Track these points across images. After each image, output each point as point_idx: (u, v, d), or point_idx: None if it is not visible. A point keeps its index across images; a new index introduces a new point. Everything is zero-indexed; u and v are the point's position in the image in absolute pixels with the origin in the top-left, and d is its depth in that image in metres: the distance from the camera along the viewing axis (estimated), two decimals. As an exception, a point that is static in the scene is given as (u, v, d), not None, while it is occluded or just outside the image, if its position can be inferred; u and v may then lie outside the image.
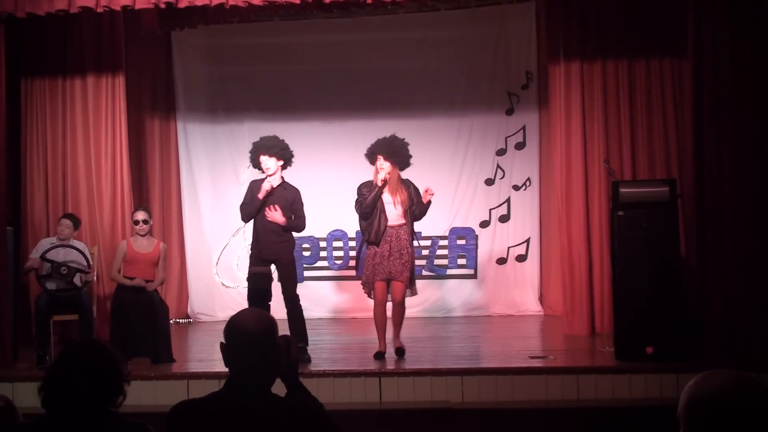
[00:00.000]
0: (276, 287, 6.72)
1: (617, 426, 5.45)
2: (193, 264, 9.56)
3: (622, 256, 6.26)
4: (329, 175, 9.36)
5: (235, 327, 2.55)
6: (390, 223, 6.48)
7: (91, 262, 7.05)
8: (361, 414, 5.57)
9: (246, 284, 6.85)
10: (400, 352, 6.47)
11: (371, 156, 6.60)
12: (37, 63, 8.02)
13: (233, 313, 2.68)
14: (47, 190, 7.97)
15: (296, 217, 6.69)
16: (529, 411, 5.65)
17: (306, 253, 9.54)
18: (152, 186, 9.44)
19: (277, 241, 6.59)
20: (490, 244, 9.37)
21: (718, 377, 2.02)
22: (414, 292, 6.63)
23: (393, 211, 6.52)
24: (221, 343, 2.56)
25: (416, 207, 6.53)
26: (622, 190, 6.41)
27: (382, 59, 9.40)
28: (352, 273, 9.50)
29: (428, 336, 7.87)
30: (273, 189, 6.57)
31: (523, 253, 9.37)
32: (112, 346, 2.57)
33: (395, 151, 6.53)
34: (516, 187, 9.36)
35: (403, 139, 6.68)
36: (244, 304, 8.65)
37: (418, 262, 9.22)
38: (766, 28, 6.36)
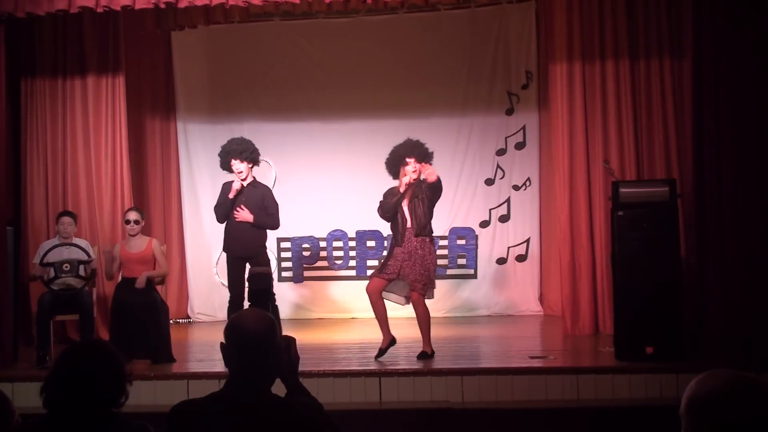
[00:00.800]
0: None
1: (617, 426, 5.44)
2: (193, 264, 9.56)
3: (622, 256, 6.25)
4: (329, 176, 9.37)
5: (235, 327, 2.55)
6: (408, 225, 6.49)
7: (92, 253, 7.03)
8: (361, 414, 5.56)
9: (245, 284, 6.90)
10: (423, 355, 6.42)
11: (400, 160, 6.48)
12: (37, 63, 8.03)
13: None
14: (47, 190, 7.98)
15: (267, 215, 6.82)
16: (529, 411, 5.65)
17: (306, 253, 9.54)
18: (152, 186, 9.45)
19: (247, 239, 6.76)
20: (490, 244, 9.37)
21: (718, 377, 2.03)
22: (429, 296, 6.59)
23: (409, 213, 6.51)
24: (221, 343, 2.56)
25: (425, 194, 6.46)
26: (622, 190, 6.41)
27: (381, 59, 9.40)
28: (352, 273, 9.52)
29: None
30: (243, 188, 6.74)
31: (523, 253, 9.37)
32: (114, 347, 2.57)
33: (426, 153, 6.50)
34: (516, 187, 9.37)
35: (417, 140, 6.65)
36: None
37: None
38: (766, 28, 6.36)
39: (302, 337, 7.78)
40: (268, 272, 6.75)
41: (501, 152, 9.39)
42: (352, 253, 9.50)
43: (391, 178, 6.64)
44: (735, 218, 6.31)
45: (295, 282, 9.57)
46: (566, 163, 7.63)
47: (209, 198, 9.47)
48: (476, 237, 9.38)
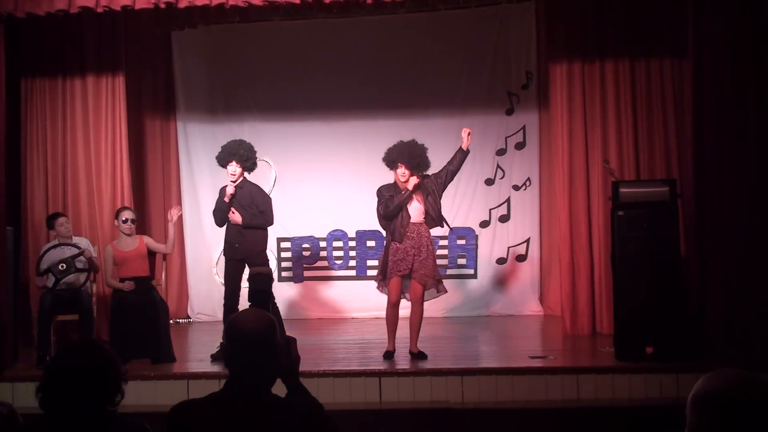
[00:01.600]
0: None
1: (617, 426, 5.45)
2: (193, 264, 9.56)
3: (622, 255, 6.26)
4: (329, 176, 9.37)
5: (235, 327, 2.56)
6: (412, 220, 6.55)
7: (92, 249, 7.05)
8: (361, 414, 5.57)
9: (246, 284, 6.90)
10: (420, 355, 6.47)
11: (391, 163, 6.60)
12: (37, 63, 8.02)
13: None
14: (47, 190, 7.98)
15: (259, 212, 6.90)
16: (529, 411, 5.65)
17: (306, 253, 9.54)
18: (152, 186, 9.45)
19: (241, 241, 6.83)
20: (490, 244, 9.37)
21: (724, 376, 2.04)
22: (442, 290, 6.66)
23: (413, 208, 6.58)
24: (221, 344, 2.56)
25: (449, 170, 6.59)
26: (622, 190, 6.41)
27: (381, 59, 9.40)
28: (352, 273, 9.52)
29: (428, 336, 7.84)
30: (236, 191, 6.87)
31: (523, 253, 9.37)
32: (107, 346, 2.57)
33: (418, 162, 6.54)
34: (516, 187, 9.36)
35: (422, 144, 6.67)
36: (245, 304, 8.68)
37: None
38: (766, 28, 6.36)
39: (302, 337, 7.79)
40: (268, 273, 6.76)
41: (501, 152, 9.38)
42: (352, 253, 9.50)
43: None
44: (735, 218, 6.32)
45: (295, 282, 9.57)
46: (566, 163, 7.63)
47: (209, 198, 9.46)
48: (476, 237, 9.38)
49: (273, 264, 9.38)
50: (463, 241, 9.38)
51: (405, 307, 6.77)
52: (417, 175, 6.52)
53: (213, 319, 9.11)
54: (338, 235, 9.52)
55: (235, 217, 6.83)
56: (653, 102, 7.54)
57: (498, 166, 9.37)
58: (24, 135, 7.99)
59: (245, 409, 2.45)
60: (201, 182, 9.51)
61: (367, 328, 8.36)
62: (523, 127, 9.35)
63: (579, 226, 7.58)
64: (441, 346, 7.40)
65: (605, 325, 7.42)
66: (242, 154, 6.84)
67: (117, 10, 6.54)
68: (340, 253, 9.54)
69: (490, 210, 9.39)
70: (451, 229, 6.64)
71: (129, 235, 6.94)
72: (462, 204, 9.36)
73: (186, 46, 9.54)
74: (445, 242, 9.35)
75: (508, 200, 9.37)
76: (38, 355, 6.54)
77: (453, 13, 9.15)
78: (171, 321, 7.44)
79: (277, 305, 7.00)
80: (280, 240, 9.50)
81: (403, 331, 6.59)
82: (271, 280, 6.77)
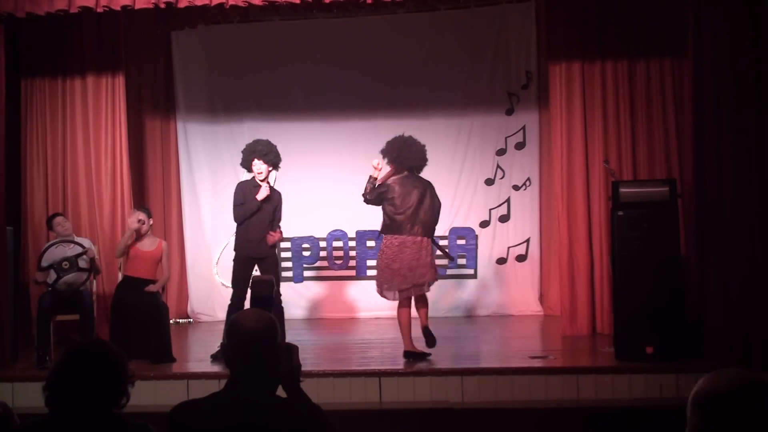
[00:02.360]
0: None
1: (617, 426, 5.45)
2: (193, 264, 9.56)
3: (622, 255, 6.25)
4: (329, 175, 9.37)
5: (234, 326, 2.56)
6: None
7: (94, 249, 7.04)
8: (361, 414, 5.57)
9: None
10: (428, 335, 6.49)
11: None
12: (37, 63, 8.02)
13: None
14: (47, 190, 7.97)
15: (275, 224, 6.92)
16: (529, 411, 5.65)
17: (306, 253, 9.54)
18: (152, 186, 9.45)
19: (263, 240, 6.80)
20: (490, 244, 9.37)
21: (724, 375, 2.04)
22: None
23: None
24: (222, 344, 2.57)
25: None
26: (622, 190, 6.41)
27: (381, 59, 9.40)
28: (352, 273, 9.52)
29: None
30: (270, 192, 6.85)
31: (523, 253, 9.37)
32: (116, 347, 2.57)
33: (387, 152, 6.65)
34: (516, 187, 9.37)
35: (419, 141, 6.70)
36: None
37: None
38: (766, 28, 6.36)
39: (302, 337, 7.82)
40: (270, 280, 6.75)
41: (501, 152, 9.39)
42: (352, 253, 9.50)
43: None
44: (735, 218, 6.31)
45: (295, 282, 9.56)
46: (565, 163, 7.63)
47: (209, 198, 9.49)
48: (476, 237, 9.38)
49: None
50: (463, 241, 9.38)
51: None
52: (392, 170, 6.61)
53: (213, 319, 9.12)
54: (338, 235, 9.52)
55: (276, 237, 6.85)
56: (653, 102, 7.54)
57: (498, 166, 9.37)
58: (24, 135, 7.99)
59: (245, 409, 2.45)
60: (201, 182, 9.52)
61: (367, 328, 8.36)
62: (523, 127, 9.35)
63: (579, 226, 7.58)
64: (441, 346, 7.40)
65: (605, 325, 7.42)
66: (261, 150, 6.82)
67: (117, 10, 6.54)
68: (340, 253, 9.54)
69: (490, 210, 9.39)
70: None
71: (143, 234, 6.90)
72: (462, 204, 9.36)
73: (186, 46, 9.54)
74: (445, 242, 9.35)
75: (508, 200, 9.37)
76: (38, 355, 6.53)
77: (453, 13, 9.16)
78: (171, 321, 7.43)
79: (283, 307, 6.95)
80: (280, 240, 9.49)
81: (416, 330, 6.58)
82: (273, 287, 6.76)
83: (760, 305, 6.18)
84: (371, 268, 9.38)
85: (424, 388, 5.87)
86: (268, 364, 2.52)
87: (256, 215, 6.79)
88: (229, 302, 6.84)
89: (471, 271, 9.40)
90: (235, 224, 6.97)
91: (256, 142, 6.94)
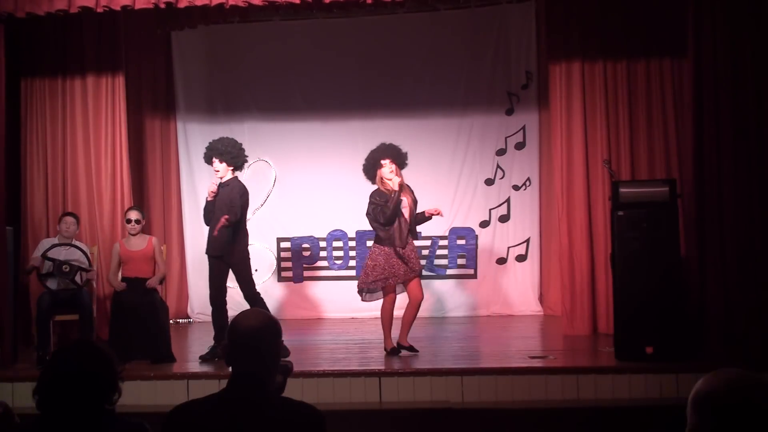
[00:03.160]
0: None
1: (617, 426, 5.44)
2: (193, 264, 9.56)
3: (622, 256, 6.25)
4: (329, 175, 9.37)
5: (235, 325, 2.57)
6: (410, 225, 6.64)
7: (92, 263, 7.07)
8: (361, 414, 5.56)
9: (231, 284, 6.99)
10: (409, 348, 6.58)
11: (376, 163, 6.61)
12: (37, 63, 8.02)
13: (232, 313, 2.69)
14: (47, 190, 7.97)
15: (229, 208, 6.68)
16: (529, 411, 5.65)
17: (306, 253, 9.54)
18: (152, 186, 9.45)
19: (218, 238, 6.70)
20: (490, 244, 9.37)
21: (724, 375, 2.05)
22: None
23: (408, 212, 6.63)
24: (223, 343, 2.57)
25: (416, 213, 6.71)
26: (622, 190, 6.41)
27: (381, 59, 9.40)
28: (352, 273, 9.51)
29: (428, 336, 7.86)
30: (218, 190, 6.78)
31: (523, 253, 9.37)
32: (103, 345, 2.57)
33: (398, 154, 6.65)
34: (516, 187, 9.36)
35: (391, 144, 6.77)
36: (244, 304, 8.67)
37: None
38: (766, 28, 6.36)
39: (302, 337, 7.82)
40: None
41: (501, 152, 9.39)
42: (352, 253, 9.49)
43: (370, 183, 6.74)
44: (735, 218, 6.31)
45: (295, 282, 9.56)
46: (565, 163, 7.63)
47: (209, 198, 9.48)
48: (476, 237, 9.38)
49: (273, 264, 9.40)
50: (463, 241, 9.38)
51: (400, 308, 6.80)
52: (400, 176, 6.59)
53: (213, 319, 9.11)
54: (338, 235, 9.52)
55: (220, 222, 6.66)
56: (653, 102, 7.54)
57: (498, 166, 9.37)
58: (24, 135, 7.99)
59: (245, 408, 2.45)
60: (201, 182, 9.50)
61: (367, 328, 8.35)
62: (523, 127, 9.35)
63: (579, 226, 7.58)
64: (441, 346, 7.41)
65: (605, 325, 7.41)
66: (220, 149, 6.76)
67: (117, 10, 6.54)
68: (340, 253, 9.54)
69: (490, 210, 9.39)
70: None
71: (134, 235, 6.91)
72: (462, 204, 9.36)
73: (186, 46, 9.54)
74: (445, 242, 9.36)
75: (508, 200, 9.37)
76: (38, 355, 6.54)
77: (453, 13, 9.15)
78: (171, 321, 7.43)
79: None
80: (279, 240, 9.50)
81: (416, 329, 6.62)
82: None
83: (760, 305, 6.18)
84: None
85: (424, 388, 5.87)
86: (267, 362, 2.52)
87: (216, 213, 6.73)
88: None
89: (471, 271, 9.40)
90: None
91: (219, 140, 6.90)
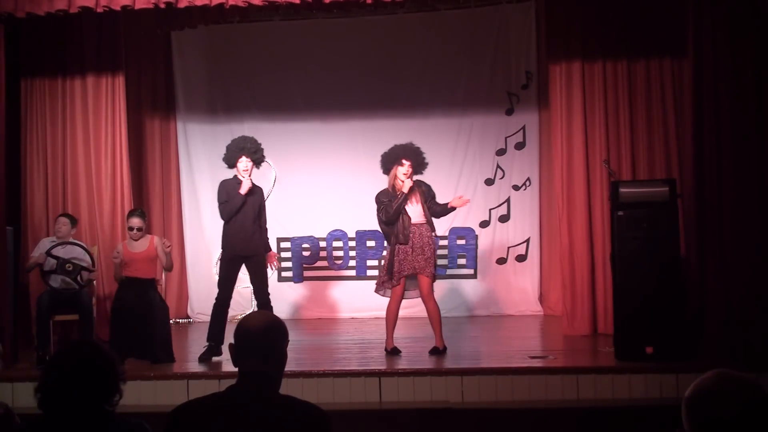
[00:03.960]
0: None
1: (617, 426, 5.44)
2: (193, 264, 9.57)
3: (622, 256, 6.25)
4: (329, 175, 9.37)
5: (242, 325, 2.59)
6: (413, 221, 6.63)
7: (95, 262, 7.06)
8: (361, 414, 5.56)
9: (245, 285, 6.96)
10: (435, 351, 6.59)
11: (396, 159, 6.67)
12: (37, 63, 8.02)
13: (232, 313, 2.71)
14: (47, 190, 7.97)
15: (262, 220, 6.92)
16: (529, 411, 5.65)
17: (306, 253, 9.54)
18: (152, 186, 9.45)
19: (249, 238, 6.76)
20: (490, 244, 9.37)
21: (715, 377, 2.07)
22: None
23: (412, 209, 6.66)
24: (230, 344, 2.59)
25: (434, 205, 6.75)
26: (622, 190, 6.41)
27: (381, 59, 9.40)
28: (352, 273, 9.52)
29: (428, 336, 7.84)
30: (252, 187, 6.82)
31: (523, 253, 9.37)
32: (106, 346, 2.58)
33: (420, 161, 6.72)
34: (516, 187, 9.36)
35: (418, 147, 6.79)
36: (244, 304, 8.69)
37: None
38: (766, 28, 6.36)
39: (302, 337, 7.82)
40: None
41: (501, 152, 9.39)
42: (352, 253, 9.50)
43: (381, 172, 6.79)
44: (735, 218, 6.31)
45: (295, 282, 9.57)
46: (565, 163, 7.63)
47: (209, 198, 9.46)
48: (476, 237, 9.38)
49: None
50: (463, 241, 9.38)
51: (405, 308, 6.80)
52: (412, 180, 6.64)
53: (213, 319, 9.11)
54: (338, 235, 9.52)
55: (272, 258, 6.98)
56: (653, 102, 7.54)
57: (498, 166, 9.37)
58: (24, 135, 7.99)
59: (250, 406, 2.46)
60: (201, 182, 9.52)
61: (367, 328, 8.36)
62: (523, 127, 9.35)
63: (579, 226, 7.58)
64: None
65: (605, 325, 7.41)
66: (249, 148, 6.80)
67: (117, 10, 6.54)
68: (340, 253, 9.54)
69: (490, 210, 9.39)
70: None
71: (135, 240, 6.89)
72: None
73: (186, 46, 9.54)
74: (445, 242, 9.35)
75: (508, 200, 9.37)
76: (38, 355, 6.54)
77: (453, 13, 9.16)
78: (171, 321, 7.43)
79: (272, 307, 6.95)
80: (280, 240, 9.49)
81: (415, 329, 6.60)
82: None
83: (760, 305, 6.18)
84: (371, 268, 9.40)
85: (424, 388, 5.87)
86: (275, 363, 2.54)
87: (242, 212, 6.75)
88: (214, 301, 6.84)
89: (471, 271, 9.40)
90: (222, 223, 6.96)
91: (245, 139, 6.91)
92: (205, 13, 7.63)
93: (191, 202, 9.57)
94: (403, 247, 6.57)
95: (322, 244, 9.56)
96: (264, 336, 2.54)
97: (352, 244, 9.50)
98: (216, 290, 9.23)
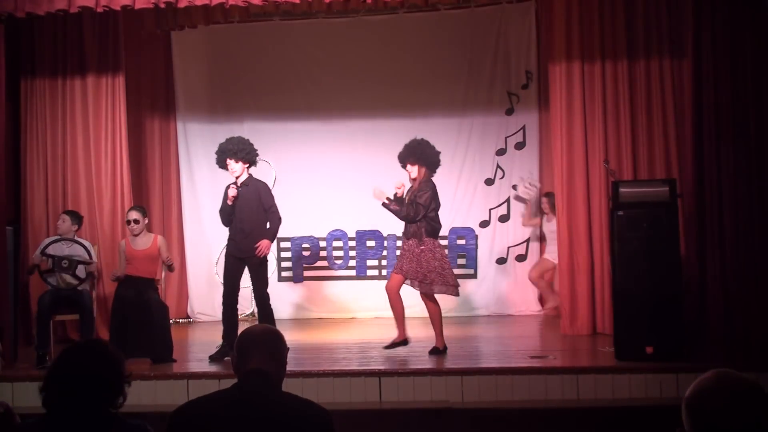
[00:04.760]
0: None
1: (617, 426, 5.44)
2: (193, 264, 9.57)
3: (622, 256, 6.25)
4: (329, 175, 9.37)
5: (243, 332, 2.66)
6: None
7: (94, 256, 7.06)
8: (361, 414, 5.56)
9: (245, 285, 6.95)
10: (435, 350, 6.63)
11: (406, 159, 6.77)
12: (37, 63, 8.02)
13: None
14: (47, 190, 7.98)
15: (270, 213, 6.80)
16: (529, 411, 5.65)
17: (306, 253, 9.54)
18: (152, 186, 9.45)
19: (248, 239, 6.73)
20: (490, 244, 9.37)
21: (714, 377, 2.07)
22: (431, 291, 6.73)
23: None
24: (231, 354, 2.62)
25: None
26: (622, 190, 6.41)
27: (381, 59, 9.40)
28: (352, 273, 9.52)
29: (428, 336, 7.85)
30: (238, 192, 6.76)
31: (523, 253, 9.37)
32: (113, 347, 2.57)
33: (429, 162, 6.76)
34: (516, 187, 9.36)
35: (428, 141, 6.82)
36: (244, 304, 8.69)
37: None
38: (766, 29, 6.36)
39: (302, 337, 7.81)
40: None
41: (501, 152, 9.39)
42: (352, 253, 9.50)
43: (399, 165, 6.85)
44: (735, 218, 6.31)
45: (295, 282, 9.57)
46: (565, 163, 7.63)
47: (209, 198, 9.48)
48: (476, 237, 9.38)
49: (273, 264, 9.38)
50: (463, 241, 9.38)
51: (405, 307, 6.82)
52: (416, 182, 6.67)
53: (213, 319, 9.10)
54: (338, 235, 9.52)
55: (264, 248, 6.75)
56: (653, 102, 7.53)
57: (498, 166, 9.38)
58: (24, 135, 7.99)
59: (254, 406, 2.47)
60: (201, 182, 9.52)
61: (367, 328, 8.36)
62: (523, 127, 9.35)
63: (578, 226, 7.57)
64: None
65: (605, 325, 7.41)
66: (232, 149, 6.74)
67: (117, 10, 6.55)
68: (340, 253, 9.54)
69: (490, 210, 9.39)
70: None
71: (135, 235, 6.88)
72: (462, 204, 9.36)
73: (186, 46, 9.54)
74: (445, 242, 9.34)
75: (508, 200, 9.37)
76: (38, 354, 6.54)
77: (453, 13, 9.16)
78: (171, 321, 7.43)
79: (272, 310, 6.96)
80: (280, 240, 9.48)
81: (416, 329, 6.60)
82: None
83: (760, 305, 6.18)
84: (371, 268, 9.40)
85: (424, 388, 5.87)
86: (277, 363, 2.57)
87: (236, 215, 6.75)
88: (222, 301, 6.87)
89: (471, 271, 9.40)
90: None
91: (228, 140, 6.87)
92: (205, 13, 7.65)
93: (191, 202, 9.57)
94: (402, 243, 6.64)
95: (322, 244, 9.56)
96: (265, 339, 2.60)
97: (352, 244, 9.50)
98: (217, 290, 9.30)
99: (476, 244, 9.38)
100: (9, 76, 7.24)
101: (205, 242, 9.48)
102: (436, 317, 6.66)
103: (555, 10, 7.85)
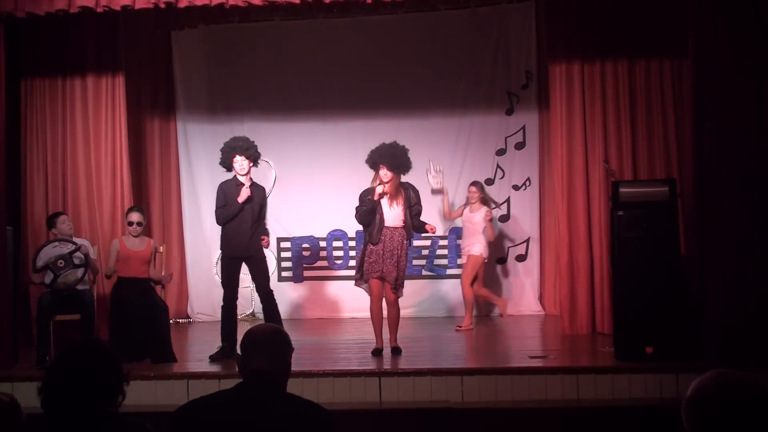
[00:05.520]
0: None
1: (617, 426, 5.44)
2: (193, 264, 9.57)
3: (622, 256, 6.25)
4: (329, 175, 9.37)
5: (248, 331, 2.65)
6: (386, 224, 6.65)
7: (92, 253, 7.05)
8: (361, 414, 5.56)
9: (245, 285, 6.96)
10: (396, 351, 6.62)
11: (373, 165, 6.74)
12: (37, 63, 8.02)
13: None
14: (47, 190, 7.97)
15: (263, 214, 6.99)
16: (528, 411, 5.65)
17: (306, 253, 9.54)
18: (152, 186, 9.45)
19: (249, 240, 6.78)
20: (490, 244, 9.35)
21: (715, 377, 2.07)
22: (399, 294, 6.72)
23: (389, 212, 6.67)
24: (236, 354, 2.62)
25: (414, 215, 6.71)
26: (622, 190, 6.41)
27: (381, 59, 9.41)
28: (352, 273, 9.50)
29: (428, 336, 7.87)
30: (251, 192, 6.81)
31: (523, 253, 9.37)
32: (111, 346, 2.57)
33: (399, 163, 6.68)
34: (516, 187, 9.37)
35: (404, 146, 6.77)
36: (244, 304, 8.69)
37: (417, 262, 9.26)
38: (766, 28, 6.36)
39: (302, 337, 7.82)
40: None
41: (501, 152, 9.39)
42: (352, 253, 9.49)
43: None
44: (735, 218, 6.31)
45: (295, 282, 9.57)
46: (565, 163, 7.63)
47: (209, 198, 9.43)
48: (476, 237, 9.36)
49: (273, 264, 9.38)
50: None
51: (402, 308, 6.81)
52: (396, 182, 6.64)
53: (213, 319, 9.10)
54: (338, 234, 9.52)
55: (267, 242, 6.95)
56: (653, 102, 7.54)
57: (498, 166, 9.38)
58: (24, 135, 7.99)
59: (255, 406, 2.47)
60: (201, 182, 9.52)
61: (367, 328, 8.31)
62: (523, 127, 9.36)
63: (578, 226, 7.58)
64: (441, 346, 7.41)
65: (605, 325, 7.42)
66: (241, 146, 6.79)
67: (117, 10, 6.54)
68: (340, 253, 9.54)
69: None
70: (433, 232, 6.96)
71: (135, 236, 6.89)
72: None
73: (186, 46, 9.54)
74: (445, 242, 9.36)
75: (508, 200, 9.37)
76: (38, 354, 6.53)
77: (453, 13, 9.16)
78: (171, 321, 7.44)
79: (276, 303, 6.98)
80: (280, 240, 9.50)
81: (416, 329, 6.63)
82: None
83: (760, 305, 6.18)
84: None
85: (424, 388, 5.87)
86: (280, 364, 2.57)
87: (239, 216, 6.77)
88: (221, 304, 6.86)
89: (471, 271, 9.38)
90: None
91: (235, 138, 6.92)
92: (205, 13, 7.64)
93: (191, 202, 9.57)
94: (374, 248, 6.60)
95: (322, 244, 9.56)
96: (270, 339, 2.60)
97: (352, 244, 9.49)
98: (217, 290, 9.29)
99: (476, 244, 9.36)
100: (9, 76, 7.23)
101: (205, 242, 9.48)
102: (396, 321, 6.72)
103: (555, 10, 7.85)
